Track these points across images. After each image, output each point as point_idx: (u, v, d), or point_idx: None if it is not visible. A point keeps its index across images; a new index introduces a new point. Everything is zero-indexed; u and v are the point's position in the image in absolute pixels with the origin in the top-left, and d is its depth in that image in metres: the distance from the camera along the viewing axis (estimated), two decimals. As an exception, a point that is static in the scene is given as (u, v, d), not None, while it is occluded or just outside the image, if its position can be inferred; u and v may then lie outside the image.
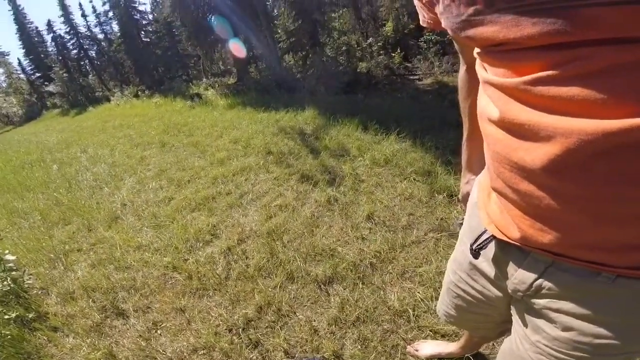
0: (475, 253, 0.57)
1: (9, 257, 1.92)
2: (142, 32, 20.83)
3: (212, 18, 10.85)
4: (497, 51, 0.39)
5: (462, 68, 0.66)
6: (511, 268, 0.53)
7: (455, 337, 1.28)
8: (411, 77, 8.15)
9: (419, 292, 1.47)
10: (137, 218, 2.52)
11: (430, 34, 8.54)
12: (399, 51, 9.07)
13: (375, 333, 1.32)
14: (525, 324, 0.56)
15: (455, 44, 0.62)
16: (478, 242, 0.56)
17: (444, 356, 1.18)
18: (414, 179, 2.42)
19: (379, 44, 9.66)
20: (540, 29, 0.32)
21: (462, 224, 0.75)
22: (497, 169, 0.45)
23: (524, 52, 0.35)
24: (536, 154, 0.37)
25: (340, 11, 11.25)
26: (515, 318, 0.59)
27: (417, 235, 1.84)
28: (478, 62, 0.46)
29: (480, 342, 1.11)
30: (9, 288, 1.75)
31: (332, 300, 1.50)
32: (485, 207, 0.55)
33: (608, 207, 0.36)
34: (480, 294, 0.65)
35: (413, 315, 1.37)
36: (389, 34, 10.89)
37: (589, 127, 0.32)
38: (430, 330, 1.31)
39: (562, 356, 0.50)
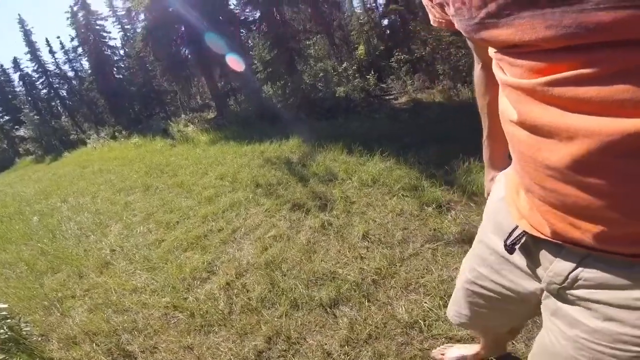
0: (511, 249, 0.57)
1: (1, 305, 1.89)
2: (115, 69, 20.44)
3: (186, 51, 11.05)
4: (514, 52, 0.40)
5: (478, 66, 0.67)
6: (546, 261, 0.54)
7: (472, 341, 1.33)
8: (387, 97, 8.52)
9: (426, 303, 1.52)
10: (129, 262, 2.52)
11: (399, 53, 9.03)
12: (372, 73, 9.50)
13: (390, 348, 1.36)
14: (560, 319, 0.56)
15: (469, 43, 0.63)
16: (512, 238, 0.57)
17: (470, 359, 1.21)
18: (403, 195, 2.55)
19: (353, 67, 10.12)
20: (555, 32, 0.33)
21: None
22: (524, 167, 0.47)
23: (540, 53, 0.36)
24: (560, 154, 0.38)
25: (315, 38, 11.73)
26: (547, 315, 0.59)
27: (413, 248, 1.93)
28: (494, 63, 0.48)
29: (498, 340, 1.12)
30: (7, 336, 1.71)
31: (341, 321, 1.54)
32: (515, 203, 0.56)
33: (634, 204, 0.37)
34: (507, 289, 0.65)
35: (425, 325, 1.41)
36: (361, 57, 11.44)
37: (609, 127, 0.33)
38: (445, 338, 1.35)
39: (605, 349, 0.50)
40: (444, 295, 1.53)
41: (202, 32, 10.53)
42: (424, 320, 1.43)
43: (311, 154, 4.10)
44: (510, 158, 0.57)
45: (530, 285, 0.61)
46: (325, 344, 1.45)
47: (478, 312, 0.75)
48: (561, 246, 0.50)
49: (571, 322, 0.54)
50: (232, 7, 10.92)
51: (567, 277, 0.51)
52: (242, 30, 11.58)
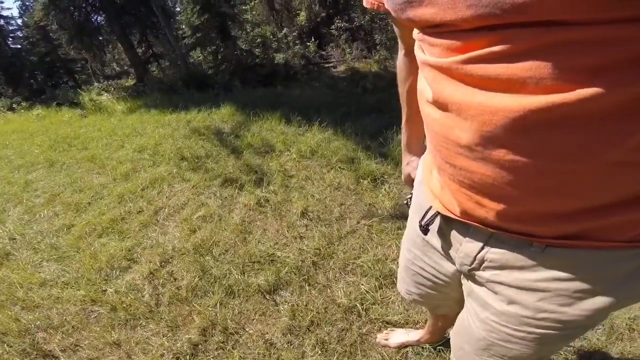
0: (424, 229, 0.60)
1: None
2: (10, 39, 18.30)
3: (97, 18, 9.66)
4: (434, 32, 0.42)
5: (401, 52, 0.69)
6: (456, 243, 0.57)
7: (405, 325, 1.37)
8: (326, 65, 8.44)
9: (362, 285, 1.54)
10: (34, 252, 2.17)
11: (340, 21, 8.91)
12: (313, 40, 9.27)
13: (332, 334, 1.36)
14: (474, 301, 0.59)
15: (395, 29, 0.65)
16: (425, 219, 0.59)
17: (414, 343, 1.25)
18: (340, 168, 2.54)
19: (294, 34, 9.75)
20: (474, 11, 0.34)
21: (409, 201, 0.81)
22: (436, 147, 0.49)
23: (459, 33, 0.38)
24: (469, 131, 0.40)
25: (252, 3, 11.05)
26: (465, 297, 0.63)
27: (350, 225, 1.94)
28: (417, 44, 0.49)
29: (446, 325, 1.15)
30: None
31: (282, 308, 1.49)
32: (429, 184, 0.59)
33: (532, 180, 0.39)
34: (435, 269, 0.68)
35: (362, 309, 1.43)
36: (302, 24, 11.06)
37: (512, 104, 0.35)
38: (382, 322, 1.38)
39: (512, 332, 0.54)
40: (379, 276, 1.57)
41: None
42: (362, 304, 1.45)
43: (246, 123, 3.87)
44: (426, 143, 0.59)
45: (449, 266, 0.64)
46: (267, 333, 1.41)
47: (424, 291, 0.77)
48: (469, 226, 0.52)
49: (482, 304, 0.57)
50: None
51: (474, 259, 0.54)
52: None
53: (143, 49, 12.78)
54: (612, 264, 0.44)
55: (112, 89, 10.10)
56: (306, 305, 1.49)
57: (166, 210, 2.35)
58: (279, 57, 8.44)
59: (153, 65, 12.56)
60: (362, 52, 8.36)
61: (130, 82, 11.78)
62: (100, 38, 11.50)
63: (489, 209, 0.46)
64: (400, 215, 1.98)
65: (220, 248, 1.90)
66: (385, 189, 2.23)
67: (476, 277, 0.56)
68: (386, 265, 1.63)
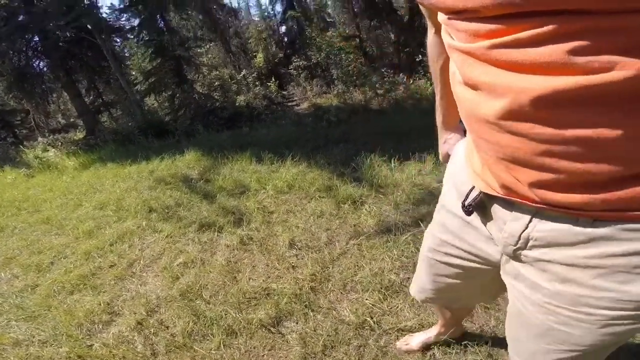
0: (468, 210, 0.61)
1: None
2: None
3: (40, 63, 9.53)
4: (459, 18, 0.45)
5: (431, 32, 0.71)
6: (500, 222, 0.57)
7: (421, 329, 1.42)
8: (289, 104, 8.83)
9: (367, 299, 1.63)
10: (-3, 313, 2.07)
11: (298, 59, 9.51)
12: (273, 80, 9.73)
13: (350, 353, 1.40)
14: (522, 283, 0.58)
15: (423, 10, 0.67)
16: (469, 199, 0.60)
17: (434, 340, 1.30)
18: (320, 197, 2.71)
19: (253, 75, 10.20)
20: (494, 0, 0.38)
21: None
22: (470, 124, 0.52)
23: (482, 19, 0.42)
24: (497, 107, 0.43)
25: (208, 46, 11.42)
26: (510, 282, 0.62)
27: (340, 247, 2.07)
28: (444, 28, 0.53)
29: (460, 316, 1.19)
30: None
31: (290, 338, 1.52)
32: (471, 163, 0.60)
33: (560, 149, 0.41)
34: (470, 253, 0.69)
35: (374, 322, 1.49)
36: (260, 65, 11.60)
37: (540, 83, 0.39)
38: (397, 331, 1.44)
39: (570, 313, 0.52)
40: (381, 288, 1.67)
41: (64, 42, 9.20)
42: (371, 318, 1.52)
43: (214, 167, 3.98)
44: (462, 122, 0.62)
45: (490, 249, 0.64)
46: (282, 366, 1.43)
47: (443, 283, 0.78)
48: (512, 203, 0.53)
49: (532, 285, 0.56)
50: (106, 14, 9.92)
51: (519, 238, 0.54)
52: (116, 39, 10.64)
53: (92, 97, 12.51)
54: None
55: (60, 143, 9.73)
56: (315, 331, 1.52)
57: (141, 261, 2.35)
58: (240, 99, 8.71)
59: (104, 114, 12.33)
60: (321, 87, 8.91)
61: (80, 134, 11.41)
62: (43, 86, 11.02)
63: (525, 181, 0.47)
64: (385, 229, 2.15)
65: (210, 290, 1.93)
66: (366, 209, 2.42)
67: (522, 257, 0.56)
68: (385, 277, 1.74)
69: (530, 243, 0.53)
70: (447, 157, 0.84)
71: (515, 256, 0.57)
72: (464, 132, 0.80)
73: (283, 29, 13.37)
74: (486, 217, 0.61)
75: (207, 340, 1.62)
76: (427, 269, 0.81)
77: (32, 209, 4.14)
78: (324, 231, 2.27)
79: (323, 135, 4.77)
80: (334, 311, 1.63)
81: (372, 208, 2.43)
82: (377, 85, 6.80)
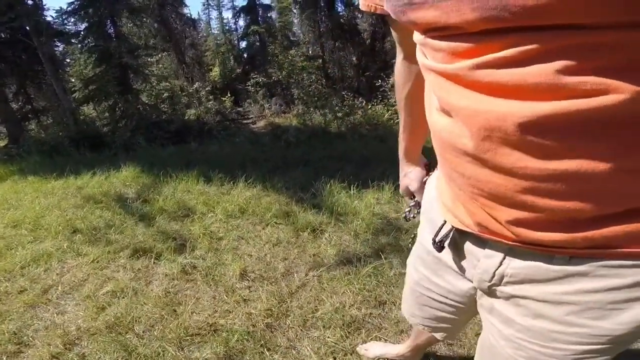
0: (439, 246, 0.60)
1: None
2: None
3: None
4: (438, 36, 0.42)
5: (399, 57, 0.69)
6: (473, 259, 0.57)
7: None
8: (245, 122, 8.66)
9: (329, 337, 1.52)
10: None
11: (257, 76, 9.43)
12: (228, 95, 9.52)
13: None
14: (496, 318, 0.59)
15: (394, 33, 0.65)
16: (440, 235, 0.60)
17: (392, 357, 1.30)
18: (276, 223, 2.53)
19: (207, 89, 9.90)
20: (480, 14, 0.35)
21: (407, 215, 0.82)
22: (445, 156, 0.49)
23: (464, 36, 0.38)
24: (475, 138, 0.41)
25: (160, 55, 11.01)
26: (484, 315, 0.62)
27: (300, 279, 1.93)
28: (418, 48, 0.50)
29: (428, 345, 1.19)
30: None
31: None
32: (441, 198, 0.59)
33: (543, 185, 0.39)
34: (446, 290, 0.68)
35: None
36: (216, 79, 11.35)
37: (524, 110, 0.36)
38: None
39: (540, 349, 0.53)
40: (343, 325, 1.58)
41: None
42: (334, 358, 1.43)
43: (155, 186, 3.63)
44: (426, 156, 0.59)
45: (464, 285, 0.64)
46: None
47: (432, 314, 0.78)
48: (485, 240, 0.53)
49: (505, 320, 0.56)
50: (51, 17, 9.34)
51: (494, 274, 0.54)
52: (57, 44, 9.94)
53: (20, 103, 11.43)
54: None
55: None
56: None
57: (59, 288, 2.02)
58: (191, 113, 8.39)
59: (32, 122, 11.23)
60: (280, 107, 8.87)
61: (1, 143, 10.27)
62: None
63: (501, 219, 0.46)
64: (346, 260, 2.04)
65: (144, 324, 1.68)
66: (326, 238, 2.30)
67: (497, 292, 0.56)
68: (347, 313, 1.65)
69: (505, 279, 0.53)
70: (407, 190, 0.84)
71: (490, 292, 0.58)
72: (425, 166, 0.81)
73: (243, 44, 13.33)
74: (458, 253, 0.61)
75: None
76: (414, 298, 0.81)
77: None
78: (280, 261, 2.10)
79: (281, 156, 4.62)
80: (293, 350, 1.49)
81: (332, 237, 2.31)
82: (336, 108, 6.88)
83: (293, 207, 2.74)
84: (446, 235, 0.59)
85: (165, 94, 8.88)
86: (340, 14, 9.23)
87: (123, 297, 1.88)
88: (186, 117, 8.22)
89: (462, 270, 0.62)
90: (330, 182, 3.14)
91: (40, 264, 2.27)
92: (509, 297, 0.54)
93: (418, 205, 0.82)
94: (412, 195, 0.84)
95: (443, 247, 0.61)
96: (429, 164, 0.81)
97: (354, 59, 9.54)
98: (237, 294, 1.83)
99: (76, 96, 8.98)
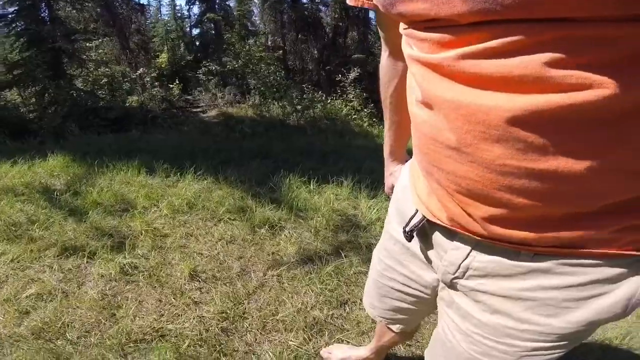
0: (409, 236, 0.62)
1: None
2: None
3: None
4: (426, 27, 0.42)
5: (385, 54, 0.70)
6: (441, 250, 0.59)
7: None
8: (194, 110, 8.34)
9: (291, 340, 1.46)
10: None
11: (209, 64, 9.06)
12: (177, 82, 9.09)
13: None
14: (454, 312, 0.61)
15: (380, 29, 0.66)
16: (410, 224, 0.61)
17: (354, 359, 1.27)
18: (230, 219, 2.40)
19: (152, 75, 9.33)
20: (470, 7, 0.35)
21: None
22: (423, 149, 0.50)
23: (452, 28, 0.39)
24: (458, 132, 0.41)
25: (100, 40, 10.28)
26: (443, 308, 0.64)
27: (257, 279, 1.84)
28: (404, 39, 0.50)
29: (390, 345, 1.20)
30: None
31: None
32: (416, 189, 0.61)
33: (522, 183, 0.41)
34: (410, 279, 0.71)
35: None
36: (163, 66, 10.76)
37: (508, 103, 0.37)
38: None
39: (493, 344, 0.55)
40: (306, 327, 1.52)
41: None
42: None
43: (88, 177, 3.31)
44: (410, 154, 0.62)
45: (428, 276, 0.68)
46: None
47: (391, 305, 0.81)
48: (455, 233, 0.55)
49: (463, 314, 0.59)
50: None
51: (459, 267, 0.57)
52: None
53: None
54: (603, 272, 0.46)
55: None
56: None
57: None
58: (133, 99, 7.90)
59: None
60: (235, 96, 8.62)
61: None
62: None
63: (476, 215, 0.48)
64: (307, 258, 1.98)
65: (78, 330, 1.50)
66: (285, 235, 2.22)
67: (458, 286, 0.59)
68: (309, 314, 1.60)
69: (469, 273, 0.56)
70: (392, 189, 0.85)
71: (451, 284, 0.60)
72: None
73: (196, 31, 12.83)
74: (427, 243, 0.64)
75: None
76: (376, 289, 0.84)
77: None
78: (235, 259, 1.99)
79: (235, 148, 4.45)
80: (252, 355, 1.42)
81: (291, 234, 2.23)
82: (296, 101, 6.81)
83: (249, 202, 2.61)
84: (416, 226, 0.61)
85: (104, 80, 8.30)
86: (305, 5, 9.19)
87: (51, 301, 1.68)
88: (127, 104, 7.72)
89: (428, 260, 0.65)
90: (289, 176, 3.05)
91: (-61, 265, 1.95)
92: (469, 291, 0.57)
93: None
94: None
95: (412, 237, 0.62)
96: None
97: (315, 52, 9.52)
98: (186, 296, 1.70)
99: (-1, 81, 8.16)
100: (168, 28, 11.56)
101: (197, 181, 3.04)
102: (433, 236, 0.61)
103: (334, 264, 1.89)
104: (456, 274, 0.58)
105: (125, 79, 8.58)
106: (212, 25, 10.86)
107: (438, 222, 0.56)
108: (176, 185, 2.99)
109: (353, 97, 7.83)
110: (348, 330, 1.52)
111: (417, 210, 0.61)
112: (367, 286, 0.90)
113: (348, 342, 1.46)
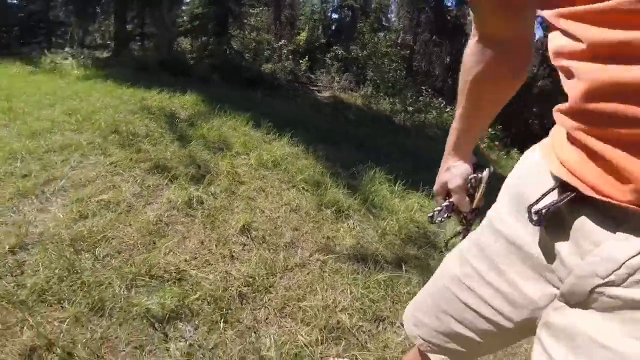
0: (539, 217, 0.42)
1: None
2: None
3: None
4: None
5: (473, 39, 0.59)
6: (588, 242, 0.40)
7: None
8: (312, 88, 8.49)
9: (302, 335, 1.20)
10: None
11: (339, 49, 9.06)
12: (306, 59, 9.36)
13: None
14: (569, 344, 0.41)
15: (474, 13, 0.55)
16: (543, 204, 0.42)
17: None
18: (303, 188, 2.22)
19: (289, 48, 9.76)
20: None
21: (435, 215, 0.67)
22: (596, 108, 0.37)
23: None
24: None
25: (260, 8, 11.13)
26: (548, 341, 0.43)
27: (301, 257, 1.61)
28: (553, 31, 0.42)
29: None
30: None
31: (172, 347, 1.09)
32: (561, 156, 0.43)
33: None
34: (499, 294, 0.50)
35: None
36: (301, 43, 11.19)
37: None
38: None
39: None
40: (324, 328, 1.24)
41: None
42: None
43: (207, 115, 3.49)
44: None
45: (533, 290, 0.47)
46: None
47: (447, 326, 0.59)
48: (626, 219, 0.37)
49: (588, 343, 0.39)
50: None
51: (621, 266, 0.37)
52: None
53: (134, 25, 12.33)
54: None
55: (82, 56, 9.47)
56: (211, 349, 1.11)
57: (61, 182, 1.83)
58: (268, 67, 8.36)
59: (136, 44, 12.08)
60: (350, 83, 8.50)
61: (106, 54, 11.17)
62: (97, 7, 10.97)
63: None
64: (360, 257, 1.68)
65: (111, 248, 1.43)
66: (348, 225, 1.94)
67: (602, 299, 0.38)
68: (335, 315, 1.31)
69: (636, 276, 0.36)
70: (443, 187, 0.69)
71: (588, 298, 0.40)
72: (473, 166, 0.67)
73: (335, 15, 13.00)
74: (560, 234, 0.43)
75: (61, 306, 1.14)
76: (434, 301, 0.62)
77: (3, 97, 3.68)
78: (291, 229, 1.80)
79: (337, 129, 4.29)
80: (253, 334, 1.20)
81: (355, 225, 1.95)
82: (409, 101, 6.33)
83: (326, 179, 2.40)
84: (554, 205, 0.42)
85: (253, 44, 8.94)
86: (450, 9, 8.43)
87: (113, 212, 1.66)
88: (262, 69, 8.21)
89: (550, 259, 0.44)
90: (376, 170, 2.75)
91: (63, 153, 2.15)
92: (617, 308, 0.37)
93: (450, 208, 0.67)
94: (446, 196, 0.69)
95: (542, 220, 0.43)
96: (478, 164, 0.68)
97: (448, 58, 8.73)
98: (227, 247, 1.56)
99: (181, 28, 9.40)
100: (314, 9, 11.91)
101: (290, 145, 2.95)
102: (576, 222, 0.41)
103: (389, 274, 1.57)
104: (610, 278, 0.37)
105: (268, 47, 9.11)
106: (350, 12, 10.81)
107: (602, 198, 0.37)
108: (271, 143, 2.95)
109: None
110: (369, 350, 1.20)
111: (553, 188, 0.43)
112: (418, 297, 0.68)
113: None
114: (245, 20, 9.58)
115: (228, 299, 1.29)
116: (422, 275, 1.62)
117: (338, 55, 8.70)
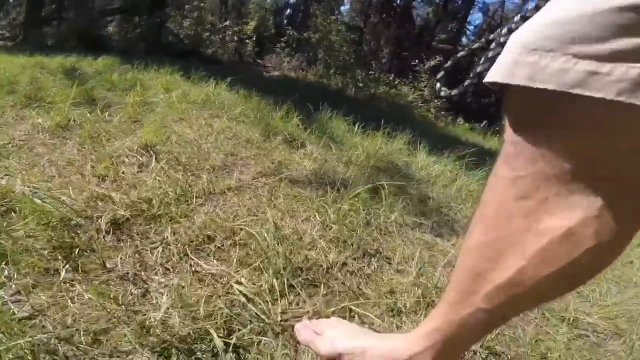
0: None
1: None
2: None
3: None
4: None
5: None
6: None
7: None
8: (259, 68, 7.93)
9: (241, 282, 0.78)
10: None
11: (291, 31, 8.58)
12: (253, 40, 8.78)
13: None
14: None
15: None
16: None
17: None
18: (243, 121, 1.73)
19: (235, 29, 9.01)
20: None
21: None
22: None
23: None
24: None
25: None
26: None
27: (239, 179, 1.19)
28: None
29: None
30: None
31: None
32: None
33: None
34: None
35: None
36: (248, 33, 10.50)
37: None
38: None
39: None
40: (283, 269, 0.79)
41: None
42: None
43: (123, 70, 2.78)
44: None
45: None
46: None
47: None
48: None
49: None
50: None
51: None
52: None
53: (51, 10, 10.70)
54: None
55: None
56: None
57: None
58: (208, 52, 7.64)
59: (53, 24, 10.50)
60: (301, 63, 8.05)
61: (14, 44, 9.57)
62: None
63: None
64: (325, 182, 1.31)
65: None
66: (304, 152, 1.53)
67: None
68: (298, 251, 0.85)
69: None
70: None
71: None
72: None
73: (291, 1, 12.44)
74: None
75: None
76: None
77: None
78: (222, 154, 1.32)
79: (292, 93, 3.77)
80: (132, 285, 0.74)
81: (312, 152, 1.51)
82: (359, 77, 6.04)
83: (273, 114, 1.91)
84: None
85: (192, 26, 8.12)
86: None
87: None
88: (201, 50, 7.50)
89: None
90: (332, 113, 2.33)
91: None
92: None
93: None
94: None
95: None
96: None
97: (394, 39, 8.63)
98: (111, 169, 1.04)
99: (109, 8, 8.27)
100: (265, -1, 11.33)
101: (228, 92, 2.41)
102: None
103: (367, 197, 1.15)
104: None
105: (210, 26, 8.30)
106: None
107: None
108: (198, 84, 2.44)
109: (425, 87, 6.54)
110: (368, 298, 0.75)
111: None
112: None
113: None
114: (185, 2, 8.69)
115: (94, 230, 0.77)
116: (404, 204, 1.18)
117: (290, 39, 8.20)
